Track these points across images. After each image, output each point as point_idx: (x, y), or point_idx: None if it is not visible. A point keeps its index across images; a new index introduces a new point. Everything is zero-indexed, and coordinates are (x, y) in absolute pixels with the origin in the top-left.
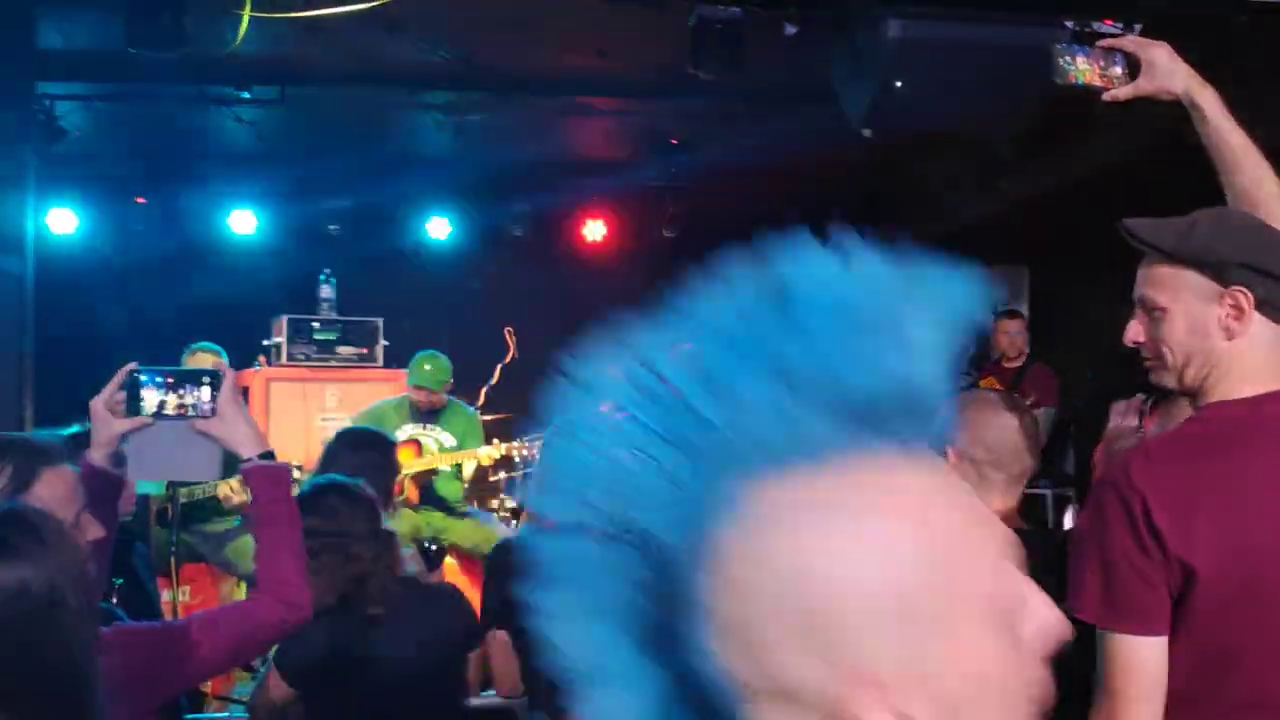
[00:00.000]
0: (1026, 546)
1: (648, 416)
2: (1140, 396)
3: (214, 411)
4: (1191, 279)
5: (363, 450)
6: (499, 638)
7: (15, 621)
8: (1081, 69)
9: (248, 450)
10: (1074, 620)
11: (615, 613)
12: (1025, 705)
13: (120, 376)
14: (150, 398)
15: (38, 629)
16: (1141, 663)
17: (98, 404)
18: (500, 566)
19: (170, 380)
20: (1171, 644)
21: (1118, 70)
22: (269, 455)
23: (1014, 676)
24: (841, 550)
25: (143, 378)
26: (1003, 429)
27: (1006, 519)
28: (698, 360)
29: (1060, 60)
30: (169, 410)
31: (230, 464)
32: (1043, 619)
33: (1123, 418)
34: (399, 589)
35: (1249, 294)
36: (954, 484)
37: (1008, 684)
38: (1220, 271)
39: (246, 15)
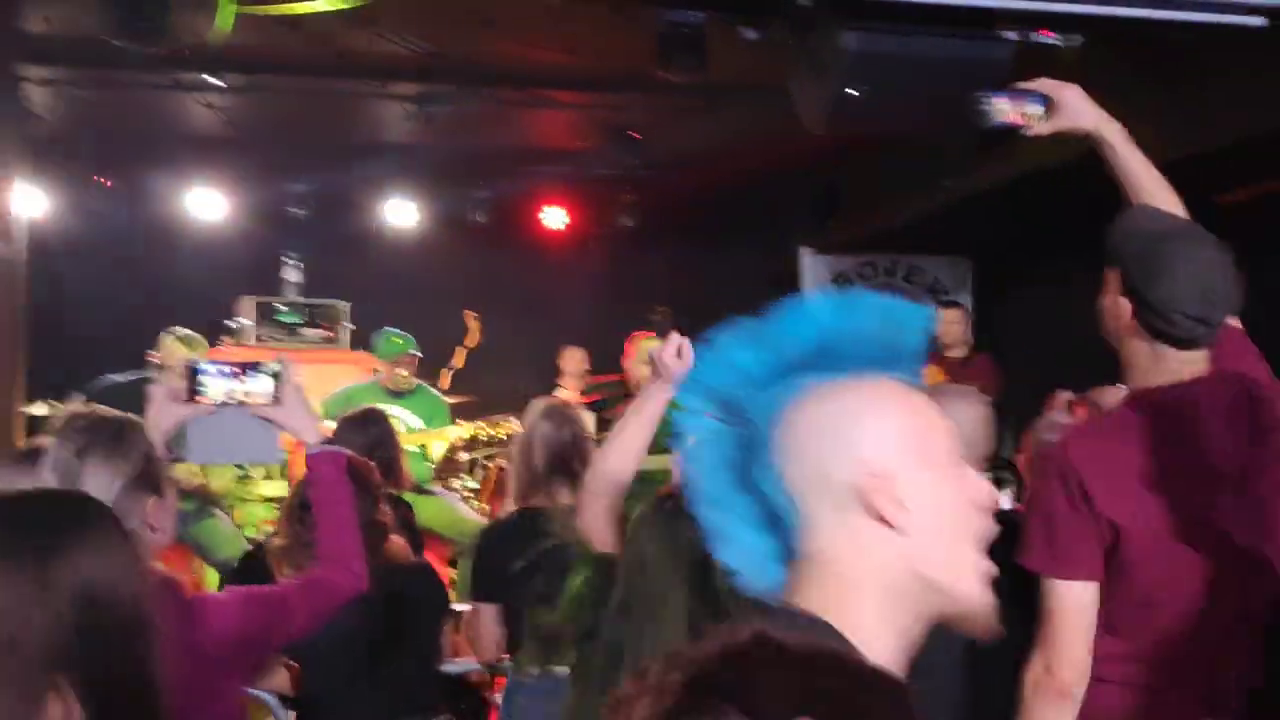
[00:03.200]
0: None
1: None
2: (1069, 395)
3: (277, 400)
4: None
5: (370, 428)
6: (485, 610)
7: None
8: (1002, 109)
9: (309, 437)
10: (1024, 570)
11: (724, 463)
12: (972, 519)
13: (179, 368)
14: (216, 386)
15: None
16: (1076, 602)
17: (160, 393)
18: (490, 544)
19: (237, 370)
20: (1105, 587)
21: (1035, 109)
22: (327, 441)
23: (963, 503)
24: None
25: (208, 368)
26: (968, 418)
27: None
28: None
29: (983, 104)
30: (235, 398)
31: None
32: (978, 483)
33: (1054, 412)
34: (380, 568)
35: (1125, 304)
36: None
37: (959, 507)
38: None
39: (232, 10)
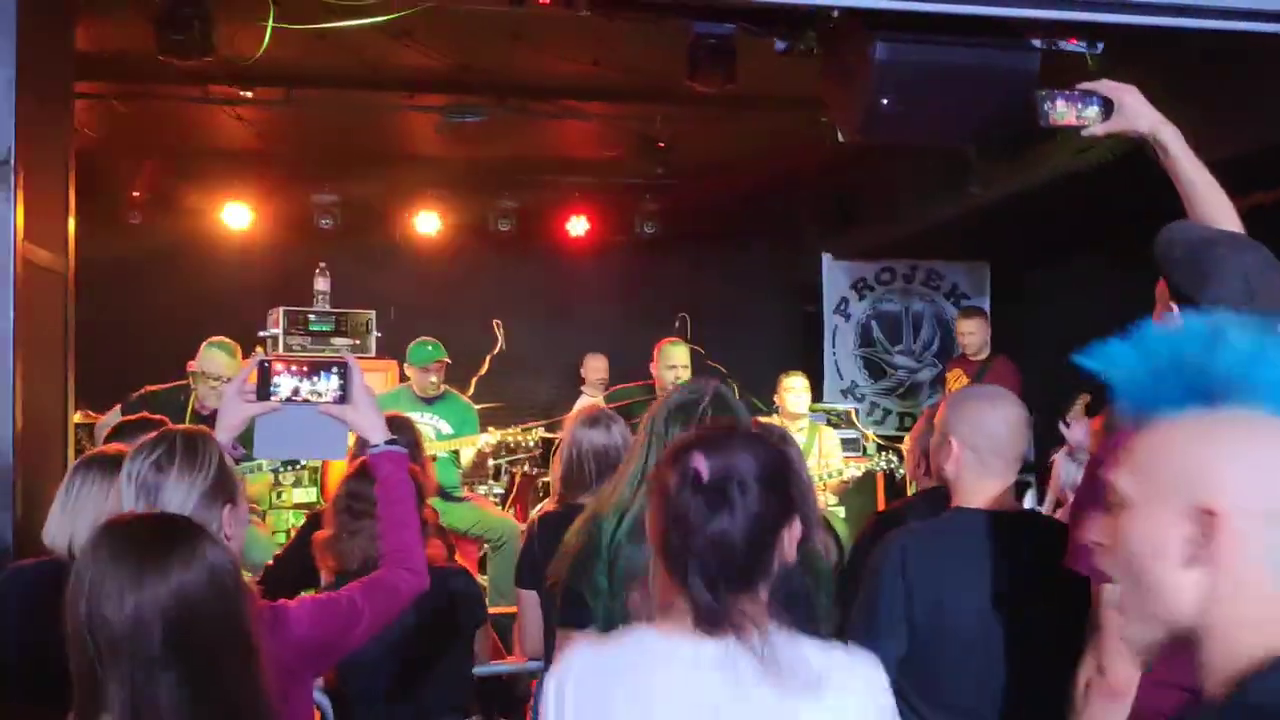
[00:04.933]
0: (1019, 525)
1: None
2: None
3: (344, 399)
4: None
5: (397, 435)
6: (527, 597)
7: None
8: (1061, 111)
9: (375, 437)
10: (1073, 573)
11: None
12: None
13: (250, 367)
14: (285, 384)
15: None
16: None
17: (230, 391)
18: (539, 535)
19: (304, 369)
20: None
21: (1093, 111)
22: (391, 441)
23: None
24: None
25: (278, 366)
26: (1001, 420)
27: (1002, 499)
28: None
29: (1043, 106)
30: (302, 396)
31: None
32: None
33: (1076, 422)
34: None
35: (1175, 311)
36: None
37: None
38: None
39: (270, 27)
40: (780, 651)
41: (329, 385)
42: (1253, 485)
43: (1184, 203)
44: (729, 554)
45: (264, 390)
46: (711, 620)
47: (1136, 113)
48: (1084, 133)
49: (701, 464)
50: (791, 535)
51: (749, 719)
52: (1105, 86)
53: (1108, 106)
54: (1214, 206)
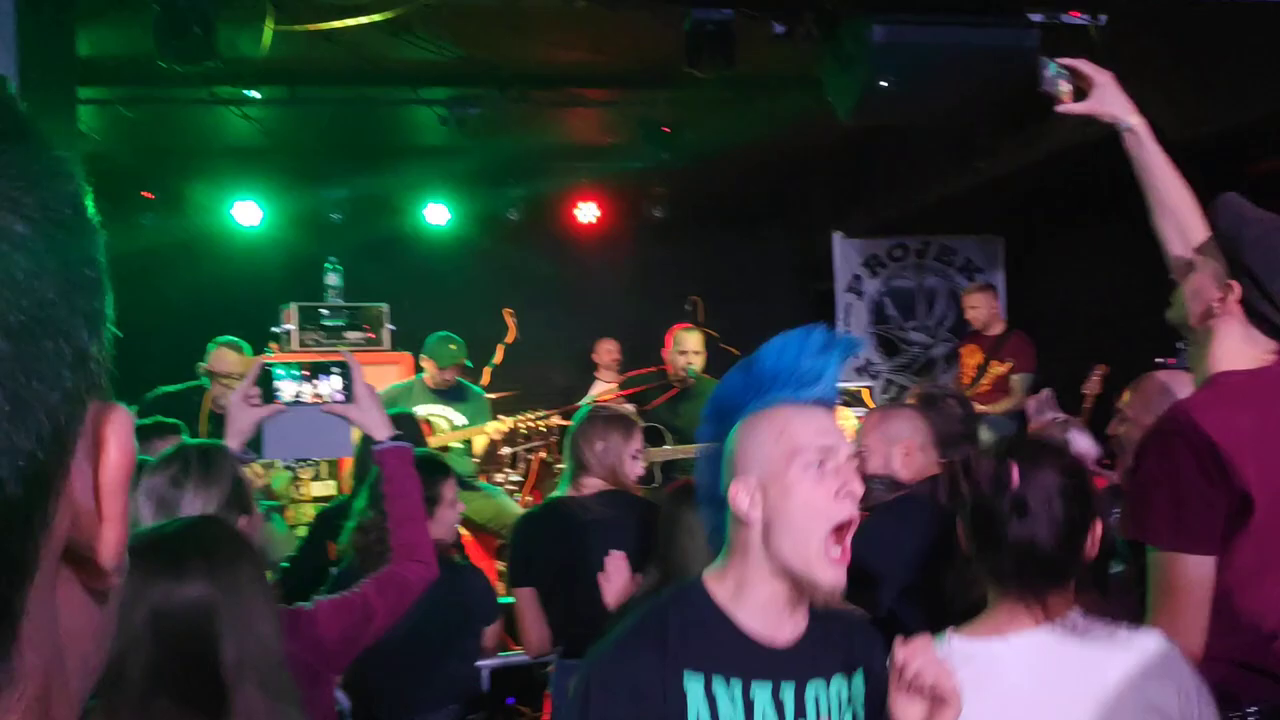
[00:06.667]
0: None
1: None
2: (1049, 391)
3: (348, 398)
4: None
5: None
6: (523, 594)
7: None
8: (1051, 81)
9: (380, 433)
10: (1137, 544)
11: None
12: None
13: (254, 372)
14: (288, 387)
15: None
16: (1200, 576)
17: (236, 397)
18: (527, 530)
19: (305, 372)
20: (1223, 555)
21: (1065, 87)
22: (396, 437)
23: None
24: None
25: (279, 371)
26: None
27: None
28: None
29: (1043, 72)
30: (306, 398)
31: None
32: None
33: (1038, 414)
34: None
35: (1236, 288)
36: None
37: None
38: (1231, 264)
39: (269, 29)
40: (1083, 626)
41: (331, 385)
42: None
43: (1145, 193)
44: (1037, 555)
45: (268, 394)
46: (1024, 608)
47: (1109, 98)
48: (1059, 108)
49: (1015, 473)
50: (1094, 536)
51: (1068, 674)
52: (1085, 66)
53: (1085, 85)
54: (1180, 200)
